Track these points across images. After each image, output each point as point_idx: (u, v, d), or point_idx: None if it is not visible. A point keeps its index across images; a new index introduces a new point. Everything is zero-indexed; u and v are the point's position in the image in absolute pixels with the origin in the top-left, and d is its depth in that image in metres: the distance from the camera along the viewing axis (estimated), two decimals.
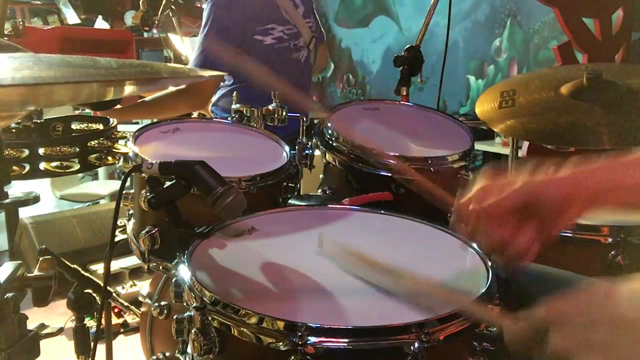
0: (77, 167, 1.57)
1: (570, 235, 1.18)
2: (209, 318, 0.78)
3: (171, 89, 2.14)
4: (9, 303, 0.90)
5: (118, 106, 2.05)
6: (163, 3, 2.86)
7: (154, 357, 1.40)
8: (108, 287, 1.24)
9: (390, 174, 1.29)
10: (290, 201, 1.24)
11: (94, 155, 1.59)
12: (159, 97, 2.11)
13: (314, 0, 2.36)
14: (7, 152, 1.46)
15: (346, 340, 0.71)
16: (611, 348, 0.59)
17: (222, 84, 2.17)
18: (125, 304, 1.66)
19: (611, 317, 0.60)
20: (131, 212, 1.31)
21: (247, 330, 0.74)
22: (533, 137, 1.61)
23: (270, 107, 1.52)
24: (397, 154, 1.30)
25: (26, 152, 1.51)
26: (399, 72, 1.95)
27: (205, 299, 0.79)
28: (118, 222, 1.23)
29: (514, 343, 0.67)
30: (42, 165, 1.52)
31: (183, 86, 2.08)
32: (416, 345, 0.71)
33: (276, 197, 1.25)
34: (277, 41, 2.12)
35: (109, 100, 1.82)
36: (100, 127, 1.76)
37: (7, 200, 1.46)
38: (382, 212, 1.13)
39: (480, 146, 3.71)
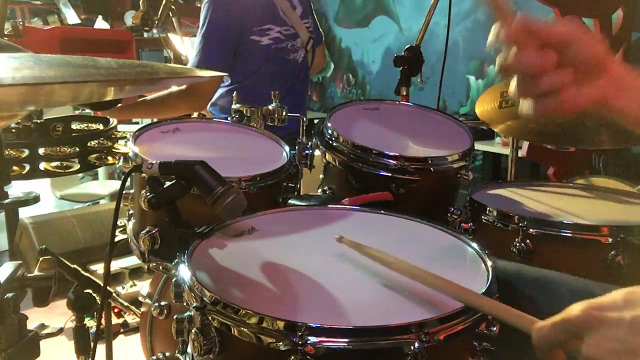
0: (77, 167, 1.57)
1: (570, 235, 1.18)
2: (209, 318, 0.78)
3: (172, 89, 2.14)
4: (9, 303, 0.90)
5: (118, 105, 2.05)
6: (163, 3, 2.86)
7: (154, 357, 1.40)
8: (108, 287, 1.24)
9: (390, 174, 1.30)
10: (290, 201, 1.24)
11: (94, 155, 1.59)
12: (160, 97, 2.11)
13: (313, 0, 2.36)
14: (7, 152, 1.46)
15: (346, 340, 0.71)
16: None
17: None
18: (125, 304, 1.66)
19: None
20: (131, 212, 1.31)
21: (247, 330, 0.74)
22: (533, 137, 1.62)
23: (270, 107, 1.52)
24: (397, 154, 1.30)
25: (26, 152, 1.51)
26: (399, 72, 1.95)
27: (205, 299, 0.79)
28: (118, 222, 1.23)
29: (544, 348, 0.63)
30: (42, 165, 1.52)
31: (184, 87, 2.08)
32: (416, 345, 0.71)
33: (276, 197, 1.25)
34: (274, 42, 2.11)
35: (109, 100, 1.83)
36: (100, 127, 1.76)
37: (7, 200, 1.46)
38: (382, 212, 1.13)
39: (480, 146, 3.72)
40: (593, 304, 0.61)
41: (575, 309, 0.61)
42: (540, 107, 0.76)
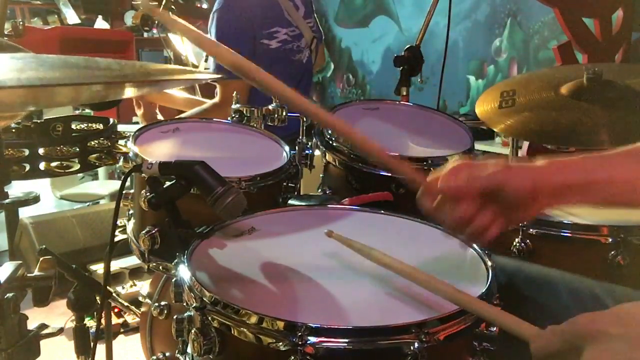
0: (77, 167, 1.57)
1: (570, 235, 1.18)
2: (209, 318, 0.78)
3: (207, 103, 2.15)
4: (9, 303, 0.90)
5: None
6: (163, 3, 2.86)
7: (154, 357, 1.40)
8: (108, 287, 1.24)
9: (390, 174, 1.29)
10: (290, 201, 1.24)
11: (94, 155, 1.60)
12: (197, 112, 2.11)
13: (313, 0, 2.37)
14: (7, 152, 1.46)
15: (346, 340, 0.71)
16: None
17: None
18: (125, 304, 1.66)
19: None
20: (131, 212, 1.31)
21: (247, 330, 0.74)
22: (533, 137, 1.61)
23: (270, 107, 1.52)
24: (397, 154, 1.30)
25: (26, 152, 1.51)
26: (399, 72, 1.95)
27: (205, 299, 0.79)
28: (118, 222, 1.23)
29: (542, 357, 0.63)
30: (42, 165, 1.52)
31: (216, 100, 2.09)
32: (416, 345, 0.71)
33: (276, 197, 1.25)
34: (282, 44, 2.12)
35: (109, 101, 1.83)
36: (100, 127, 1.76)
37: (7, 200, 1.46)
38: (382, 212, 1.13)
39: (480, 146, 3.71)
40: (594, 316, 0.61)
41: (576, 321, 0.62)
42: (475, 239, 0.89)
